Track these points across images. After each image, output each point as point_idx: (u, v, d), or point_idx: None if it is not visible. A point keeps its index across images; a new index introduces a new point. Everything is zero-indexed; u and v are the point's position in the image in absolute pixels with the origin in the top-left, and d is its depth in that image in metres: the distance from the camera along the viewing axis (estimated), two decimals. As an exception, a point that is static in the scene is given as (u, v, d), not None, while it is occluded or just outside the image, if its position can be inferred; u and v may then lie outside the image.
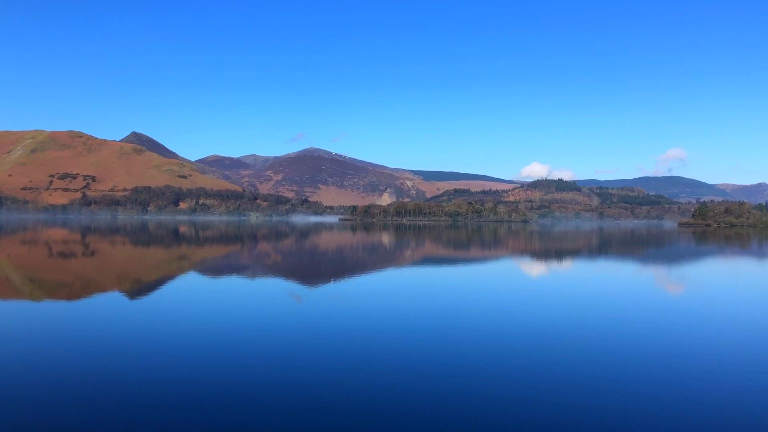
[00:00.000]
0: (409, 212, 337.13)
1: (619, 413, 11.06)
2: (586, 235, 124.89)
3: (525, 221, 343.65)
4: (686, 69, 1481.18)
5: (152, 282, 33.10)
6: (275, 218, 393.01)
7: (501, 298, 27.06)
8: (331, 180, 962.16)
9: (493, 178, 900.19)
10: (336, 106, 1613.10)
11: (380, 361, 14.71)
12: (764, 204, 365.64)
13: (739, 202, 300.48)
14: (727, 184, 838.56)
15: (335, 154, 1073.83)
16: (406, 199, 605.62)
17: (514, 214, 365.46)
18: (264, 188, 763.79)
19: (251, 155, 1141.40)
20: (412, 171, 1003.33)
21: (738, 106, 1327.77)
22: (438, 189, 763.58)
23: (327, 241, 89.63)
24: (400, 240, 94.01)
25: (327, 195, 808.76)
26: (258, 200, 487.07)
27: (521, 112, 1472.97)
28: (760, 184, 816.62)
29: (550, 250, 72.07)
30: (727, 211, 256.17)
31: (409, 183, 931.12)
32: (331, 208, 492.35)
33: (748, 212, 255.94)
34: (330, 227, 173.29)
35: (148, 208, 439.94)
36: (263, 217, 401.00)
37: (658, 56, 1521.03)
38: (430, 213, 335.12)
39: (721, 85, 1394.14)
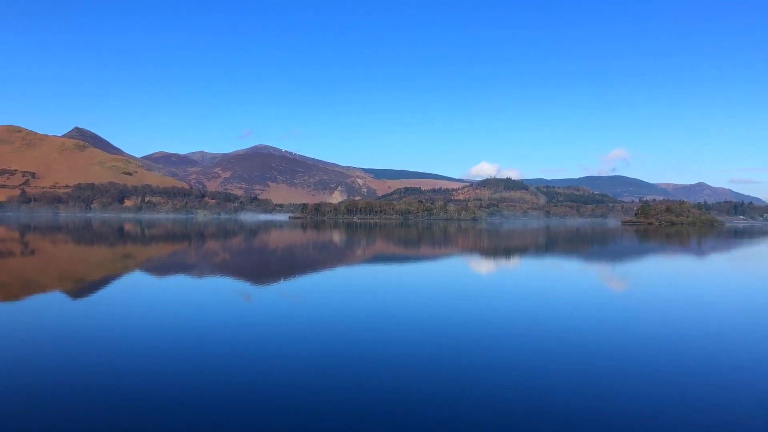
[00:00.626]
0: (360, 210, 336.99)
1: (572, 403, 11.20)
2: (534, 233, 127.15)
3: (474, 219, 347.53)
4: (630, 71, 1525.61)
5: (95, 281, 32.05)
6: (223, 216, 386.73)
7: (456, 295, 27.18)
8: (281, 177, 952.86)
9: (444, 176, 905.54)
10: (287, 103, 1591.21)
11: (335, 359, 14.54)
12: (703, 203, 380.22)
13: (680, 201, 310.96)
14: (668, 184, 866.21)
15: (285, 151, 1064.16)
16: (357, 197, 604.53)
17: (463, 213, 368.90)
18: (212, 186, 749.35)
19: (199, 152, 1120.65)
20: (363, 169, 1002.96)
21: (678, 109, 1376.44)
22: (389, 187, 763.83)
23: (277, 239, 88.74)
24: (352, 238, 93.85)
25: (277, 193, 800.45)
26: (206, 198, 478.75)
27: (470, 111, 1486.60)
28: (699, 184, 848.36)
29: (500, 248, 73.17)
30: (668, 209, 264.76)
31: (360, 181, 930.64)
32: (281, 206, 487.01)
33: (688, 211, 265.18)
34: (280, 225, 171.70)
35: (92, 206, 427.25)
36: (211, 216, 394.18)
37: (602, 59, 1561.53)
38: (381, 211, 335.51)
39: (663, 88, 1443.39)
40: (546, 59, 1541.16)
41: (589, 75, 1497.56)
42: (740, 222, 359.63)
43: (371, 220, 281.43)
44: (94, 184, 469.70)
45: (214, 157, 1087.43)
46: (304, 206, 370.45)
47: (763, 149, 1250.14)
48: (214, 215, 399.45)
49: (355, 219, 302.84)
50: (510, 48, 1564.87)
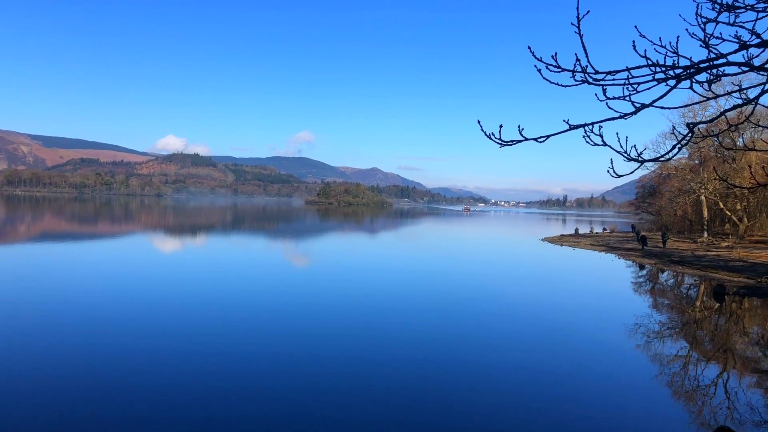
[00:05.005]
0: (25, 182, 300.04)
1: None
2: (221, 211, 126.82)
3: (159, 195, 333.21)
4: (313, 57, 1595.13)
5: None
6: None
7: (130, 276, 25.78)
8: None
9: (126, 148, 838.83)
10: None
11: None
12: (376, 186, 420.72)
13: (357, 183, 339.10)
14: (348, 167, 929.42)
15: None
16: (21, 167, 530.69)
17: (147, 188, 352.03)
18: None
19: None
20: (29, 135, 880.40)
21: (356, 98, 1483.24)
22: (62, 157, 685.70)
23: None
24: (13, 214, 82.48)
25: None
26: None
27: (158, 80, 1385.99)
28: (373, 169, 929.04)
29: (186, 225, 71.53)
30: (346, 191, 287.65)
31: (25, 148, 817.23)
32: None
33: (363, 193, 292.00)
34: None
35: None
36: None
37: (288, 42, 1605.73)
38: (51, 183, 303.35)
39: (343, 77, 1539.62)
40: (235, 39, 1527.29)
41: (276, 55, 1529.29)
42: (406, 204, 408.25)
43: (39, 193, 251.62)
44: None
45: None
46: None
47: (425, 142, 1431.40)
48: None
49: (18, 191, 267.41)
50: (200, 26, 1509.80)
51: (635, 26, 4.52)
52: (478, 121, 4.67)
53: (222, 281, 24.84)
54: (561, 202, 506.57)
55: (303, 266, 33.34)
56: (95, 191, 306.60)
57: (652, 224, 78.09)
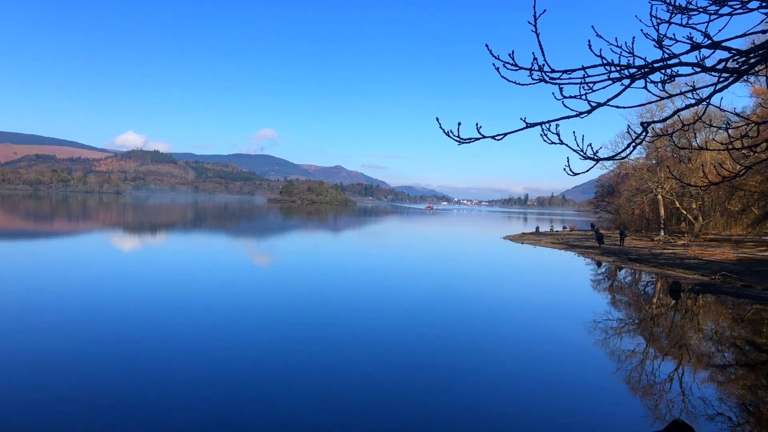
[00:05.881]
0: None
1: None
2: (182, 209, 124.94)
3: (118, 193, 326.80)
4: (278, 54, 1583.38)
5: None
6: None
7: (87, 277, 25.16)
8: None
9: (84, 145, 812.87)
10: None
11: None
12: (340, 184, 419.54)
13: (320, 181, 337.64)
14: (311, 165, 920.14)
15: None
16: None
17: (106, 185, 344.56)
18: None
19: None
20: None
21: (320, 96, 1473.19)
22: (15, 153, 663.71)
23: None
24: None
25: None
26: None
27: (114, 74, 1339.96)
28: (336, 167, 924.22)
29: (145, 224, 70.26)
30: (309, 189, 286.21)
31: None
32: None
33: (327, 191, 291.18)
34: None
35: None
36: None
37: (247, 39, 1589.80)
38: (4, 180, 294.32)
39: (307, 75, 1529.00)
40: (196, 34, 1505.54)
41: (238, 51, 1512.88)
42: (369, 202, 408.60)
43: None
44: None
45: None
46: None
47: (389, 140, 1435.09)
48: None
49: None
50: (161, 20, 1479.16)
51: (592, 26, 4.54)
52: (437, 119, 4.70)
53: (183, 282, 24.45)
54: (522, 201, 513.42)
55: (267, 266, 33.04)
56: (51, 188, 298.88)
57: (611, 223, 79.68)
